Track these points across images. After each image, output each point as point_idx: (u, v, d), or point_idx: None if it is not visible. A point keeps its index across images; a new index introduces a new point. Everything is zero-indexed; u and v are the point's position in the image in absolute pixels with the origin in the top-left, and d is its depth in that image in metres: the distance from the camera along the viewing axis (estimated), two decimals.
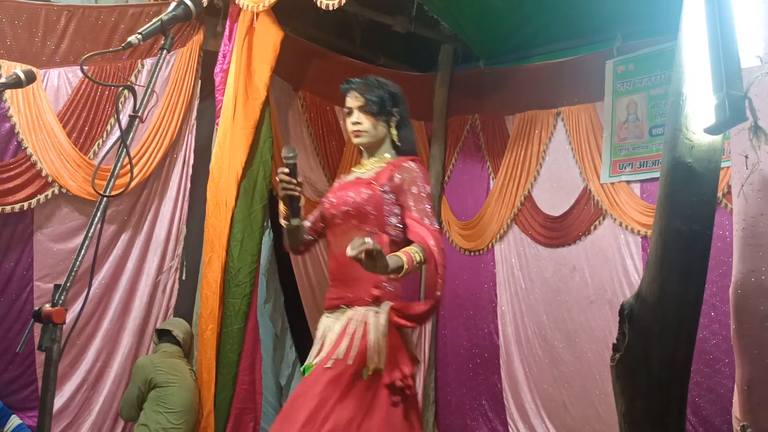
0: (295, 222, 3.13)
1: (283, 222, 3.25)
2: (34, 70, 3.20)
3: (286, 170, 3.04)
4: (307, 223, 3.40)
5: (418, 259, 2.84)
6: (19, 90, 4.66)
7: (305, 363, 3.13)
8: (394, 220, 3.09)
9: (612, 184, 5.69)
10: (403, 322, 2.98)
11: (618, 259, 5.64)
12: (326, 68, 6.25)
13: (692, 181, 2.47)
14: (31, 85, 3.41)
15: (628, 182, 5.63)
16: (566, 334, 5.90)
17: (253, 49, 5.29)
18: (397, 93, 3.30)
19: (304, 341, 6.05)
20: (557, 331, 5.96)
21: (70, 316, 2.11)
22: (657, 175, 5.20)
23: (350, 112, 3.27)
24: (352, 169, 3.42)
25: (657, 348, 2.44)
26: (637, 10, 5.43)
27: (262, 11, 5.11)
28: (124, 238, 5.41)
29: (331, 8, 4.75)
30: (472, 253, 6.65)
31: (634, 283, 5.48)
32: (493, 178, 6.58)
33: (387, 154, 3.27)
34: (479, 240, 6.58)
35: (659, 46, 5.44)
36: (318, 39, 6.40)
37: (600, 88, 5.81)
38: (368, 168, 3.27)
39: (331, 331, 3.07)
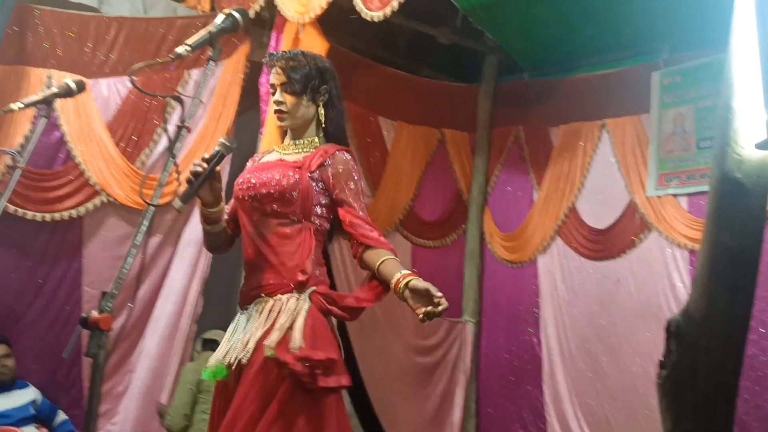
0: (177, 205, 2.54)
1: (205, 227, 2.84)
2: (85, 80, 3.26)
3: (208, 155, 2.59)
4: (224, 212, 2.91)
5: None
6: (69, 99, 4.75)
7: (214, 362, 2.72)
8: (319, 210, 2.77)
9: (658, 197, 5.63)
10: (334, 309, 2.68)
11: (664, 273, 5.57)
12: (370, 79, 6.29)
13: (741, 196, 2.43)
14: (80, 95, 3.46)
15: (674, 195, 5.56)
16: (610, 348, 5.83)
17: None
18: (325, 68, 2.88)
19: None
20: (601, 345, 5.90)
21: (116, 323, 2.14)
22: (705, 188, 5.15)
23: (273, 91, 2.85)
24: (274, 147, 3.00)
25: (704, 364, 2.39)
26: (685, 22, 5.37)
27: (308, 22, 5.14)
28: (168, 246, 5.48)
29: (375, 20, 4.77)
30: (515, 265, 6.62)
31: (681, 297, 5.40)
32: (536, 190, 6.54)
33: (315, 138, 2.88)
34: (522, 252, 6.54)
35: (707, 58, 5.37)
36: (362, 50, 6.43)
37: (646, 100, 5.75)
38: (294, 150, 2.88)
39: (247, 329, 2.69)
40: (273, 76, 2.83)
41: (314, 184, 2.76)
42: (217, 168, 2.59)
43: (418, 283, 2.53)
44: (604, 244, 6.00)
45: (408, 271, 2.61)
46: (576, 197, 6.22)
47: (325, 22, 5.26)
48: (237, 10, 2.50)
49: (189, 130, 2.37)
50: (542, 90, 6.59)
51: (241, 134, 5.67)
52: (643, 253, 5.74)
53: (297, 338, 2.54)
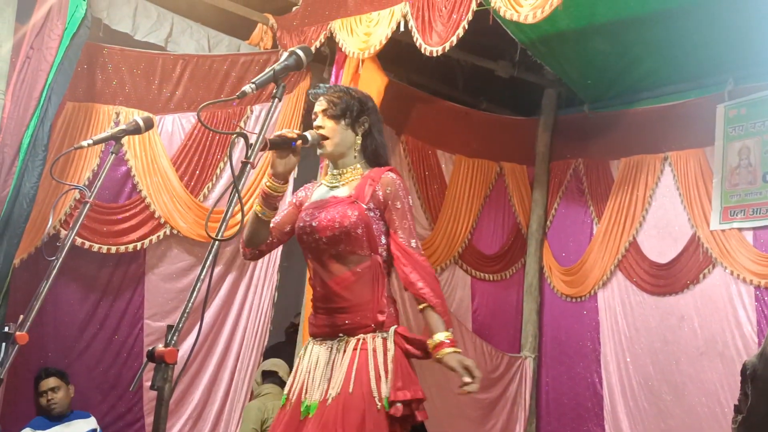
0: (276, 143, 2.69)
1: (257, 208, 2.90)
2: (152, 116, 3.34)
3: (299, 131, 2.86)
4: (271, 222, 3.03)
5: (450, 335, 2.73)
6: (136, 135, 4.87)
7: (304, 398, 2.81)
8: (383, 239, 2.87)
9: (723, 231, 5.51)
10: (412, 349, 2.79)
11: (729, 309, 5.44)
12: (429, 113, 6.32)
13: None
14: (148, 131, 3.54)
15: (739, 229, 5.44)
16: (674, 386, 5.69)
17: None
18: (365, 101, 3.02)
19: None
20: (665, 383, 5.76)
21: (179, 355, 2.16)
22: None
23: (315, 118, 2.98)
24: (322, 181, 3.09)
25: None
26: (750, 54, 5.29)
27: (368, 58, 5.20)
28: (229, 278, 5.56)
29: (434, 54, 4.80)
30: (574, 300, 6.53)
31: (747, 335, 5.27)
32: (596, 224, 6.46)
33: (357, 165, 2.97)
34: (581, 286, 6.45)
35: None
36: (421, 84, 6.48)
37: (710, 132, 5.66)
38: (340, 181, 2.97)
39: (334, 364, 2.80)
40: (316, 105, 2.98)
41: (372, 214, 2.85)
42: (299, 144, 2.77)
43: (450, 361, 2.66)
44: (667, 279, 5.89)
45: (443, 337, 2.71)
46: (637, 231, 6.13)
47: (384, 57, 5.32)
48: (301, 48, 2.53)
49: (253, 166, 2.40)
50: (602, 122, 6.53)
51: (302, 168, 5.74)
52: (708, 289, 5.62)
53: (394, 381, 2.69)
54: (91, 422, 5.00)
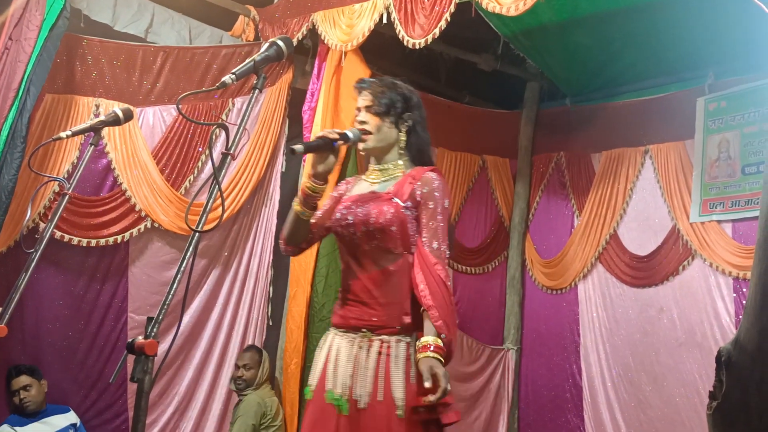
0: (297, 148, 2.67)
1: (297, 208, 2.90)
2: (132, 108, 3.32)
3: (340, 131, 2.82)
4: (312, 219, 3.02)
5: (442, 349, 2.66)
6: (116, 127, 4.83)
7: (329, 389, 2.82)
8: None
9: (702, 223, 5.55)
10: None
11: (708, 300, 5.48)
12: None
13: None
14: (127, 123, 3.51)
15: (719, 222, 5.48)
16: (654, 377, 5.73)
17: (341, 87, 5.37)
18: (410, 97, 2.98)
19: None
20: (644, 374, 5.80)
21: (161, 348, 2.15)
22: (749, 214, 5.11)
23: (358, 113, 2.96)
24: (362, 177, 3.08)
25: (756, 397, 2.33)
26: (730, 47, 5.32)
27: (350, 50, 5.19)
28: (214, 272, 5.56)
29: (417, 47, 4.80)
30: (555, 292, 6.56)
31: (726, 326, 5.31)
32: (577, 216, 6.49)
33: (400, 161, 2.96)
34: (562, 278, 6.48)
35: (753, 84, 5.31)
36: (403, 77, 6.45)
37: (690, 125, 5.69)
38: (381, 178, 2.97)
39: (358, 363, 2.80)
40: (360, 100, 2.96)
41: (408, 213, 2.84)
42: (340, 145, 2.77)
43: (421, 365, 2.62)
44: (647, 271, 5.93)
45: (431, 340, 2.67)
46: (618, 223, 6.16)
47: (367, 50, 5.31)
48: (281, 39, 2.51)
49: (234, 158, 2.39)
50: (584, 116, 6.56)
51: (285, 161, 5.74)
52: (687, 281, 5.66)
53: (417, 387, 2.68)
54: (70, 416, 4.96)
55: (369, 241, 2.83)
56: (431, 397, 2.55)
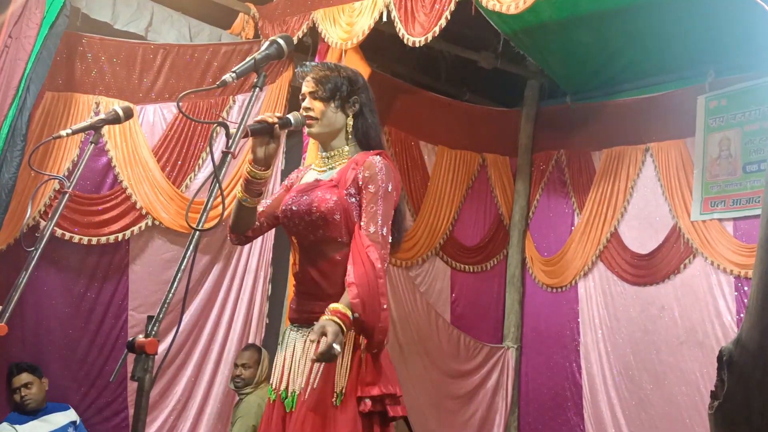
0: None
1: (240, 195, 2.82)
2: (132, 106, 3.31)
3: (280, 115, 2.71)
4: (260, 208, 2.94)
5: (349, 320, 2.52)
6: (117, 125, 4.82)
7: (285, 388, 2.73)
8: None
9: (703, 221, 5.54)
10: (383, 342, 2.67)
11: (710, 299, 5.48)
12: (411, 104, 6.32)
13: None
14: (128, 121, 3.51)
15: (719, 220, 5.48)
16: (655, 375, 5.73)
17: None
18: (356, 80, 2.88)
19: None
20: (645, 373, 5.80)
21: (162, 347, 2.14)
22: (751, 213, 5.10)
23: (303, 99, 2.86)
24: (312, 166, 3.00)
25: (758, 397, 2.32)
26: (731, 45, 5.32)
27: (350, 48, 5.18)
28: (215, 270, 5.55)
29: (417, 45, 4.79)
30: (555, 290, 6.56)
31: (727, 324, 5.31)
32: (578, 214, 6.49)
33: (346, 147, 2.86)
34: (562, 276, 6.48)
35: (754, 82, 5.32)
36: (403, 75, 6.47)
37: (691, 124, 5.69)
38: (327, 165, 2.88)
39: (301, 353, 2.72)
40: (303, 85, 2.87)
41: (352, 200, 2.74)
42: (277, 129, 2.66)
43: (315, 326, 2.49)
44: (648, 269, 5.92)
45: (339, 307, 2.53)
46: (618, 222, 6.16)
47: (367, 48, 5.30)
48: (282, 37, 2.50)
49: (234, 156, 2.38)
50: (584, 114, 6.55)
51: (285, 159, 5.73)
52: (688, 279, 5.66)
53: (363, 377, 2.61)
54: (70, 414, 4.96)
55: (314, 231, 2.74)
56: (314, 356, 2.45)
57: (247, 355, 5.26)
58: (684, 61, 5.72)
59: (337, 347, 2.41)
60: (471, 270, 6.75)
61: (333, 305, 2.54)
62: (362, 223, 2.69)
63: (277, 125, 2.67)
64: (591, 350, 6.22)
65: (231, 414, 5.32)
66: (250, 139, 2.70)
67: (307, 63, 2.94)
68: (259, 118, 2.68)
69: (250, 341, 5.54)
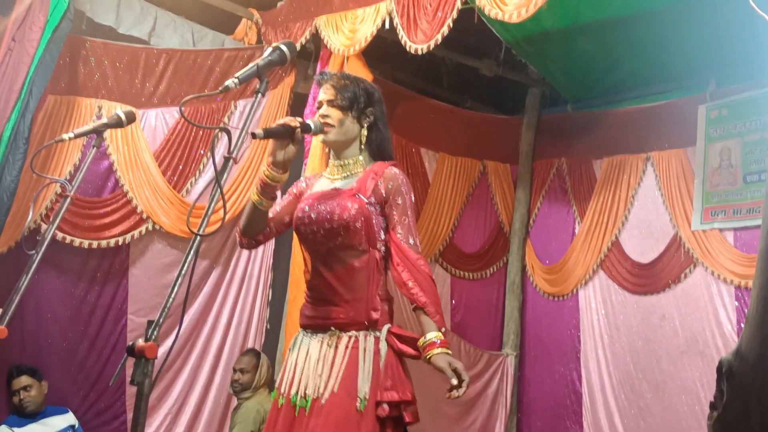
0: (258, 133, 2.57)
1: (254, 197, 2.85)
2: (134, 110, 3.32)
3: (302, 119, 2.77)
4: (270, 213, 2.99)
5: (441, 335, 2.70)
6: (119, 129, 4.83)
7: (296, 392, 2.77)
8: (382, 235, 2.84)
9: (704, 231, 5.54)
10: (406, 349, 2.76)
11: (710, 309, 5.48)
12: (413, 111, 6.32)
13: None
14: (130, 125, 3.51)
15: (720, 230, 5.48)
16: (655, 385, 5.72)
17: None
18: (373, 93, 2.96)
19: None
20: (645, 382, 5.79)
21: (161, 351, 2.14)
22: (751, 223, 5.10)
23: (320, 106, 2.92)
24: (322, 174, 3.06)
25: (757, 408, 2.32)
26: (732, 55, 5.32)
27: (353, 55, 5.19)
28: (214, 274, 5.56)
29: (419, 52, 4.80)
30: (556, 298, 6.56)
31: (727, 334, 5.31)
32: (578, 223, 6.49)
33: (360, 157, 2.93)
34: (563, 285, 6.48)
35: (755, 92, 5.32)
36: (405, 82, 6.48)
37: (692, 133, 5.69)
38: (342, 174, 2.93)
39: (326, 361, 2.75)
40: (321, 93, 2.92)
41: (372, 208, 2.81)
42: (298, 132, 2.71)
43: (439, 361, 2.65)
44: (649, 278, 5.92)
45: (433, 336, 2.69)
46: (619, 230, 6.16)
47: (369, 54, 5.31)
48: (285, 44, 2.52)
49: (236, 161, 2.39)
50: (586, 122, 6.56)
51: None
52: (689, 288, 5.65)
53: (383, 382, 2.68)
54: (69, 418, 4.95)
55: (333, 239, 2.79)
56: (459, 391, 2.59)
57: (246, 360, 5.25)
58: (685, 70, 5.72)
59: (465, 376, 2.62)
60: (471, 277, 6.75)
61: (429, 337, 2.69)
62: (399, 235, 2.80)
63: (298, 129, 2.71)
64: (591, 359, 6.21)
65: (228, 419, 5.32)
66: (270, 141, 2.75)
67: (327, 72, 3.01)
68: (281, 121, 2.71)
69: (250, 346, 5.54)
